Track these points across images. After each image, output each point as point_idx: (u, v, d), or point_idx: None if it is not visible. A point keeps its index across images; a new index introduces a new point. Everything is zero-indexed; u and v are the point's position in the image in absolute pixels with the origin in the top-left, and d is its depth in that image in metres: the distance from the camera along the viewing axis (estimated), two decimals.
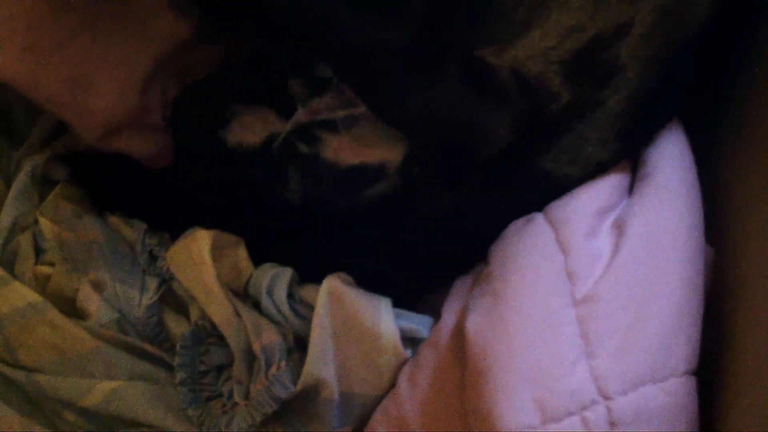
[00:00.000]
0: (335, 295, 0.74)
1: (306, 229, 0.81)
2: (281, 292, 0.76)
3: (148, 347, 0.78)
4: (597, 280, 0.65)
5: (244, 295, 0.79)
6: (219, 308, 0.76)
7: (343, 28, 0.65)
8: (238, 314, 0.75)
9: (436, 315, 0.76)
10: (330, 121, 0.78)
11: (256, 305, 0.78)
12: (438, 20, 0.65)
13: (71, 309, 0.80)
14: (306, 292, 0.77)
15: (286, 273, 0.77)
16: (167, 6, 0.73)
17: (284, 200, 0.80)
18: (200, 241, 0.77)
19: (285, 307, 0.76)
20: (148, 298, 0.80)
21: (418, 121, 0.71)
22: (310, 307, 0.75)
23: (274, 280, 0.77)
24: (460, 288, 0.75)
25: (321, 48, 0.69)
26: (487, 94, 0.68)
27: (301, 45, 0.72)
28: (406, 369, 0.74)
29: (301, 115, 0.78)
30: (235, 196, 0.83)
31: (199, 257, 0.76)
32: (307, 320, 0.75)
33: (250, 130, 0.80)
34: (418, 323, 0.76)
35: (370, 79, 0.69)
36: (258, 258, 0.80)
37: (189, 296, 0.80)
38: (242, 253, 0.79)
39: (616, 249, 0.66)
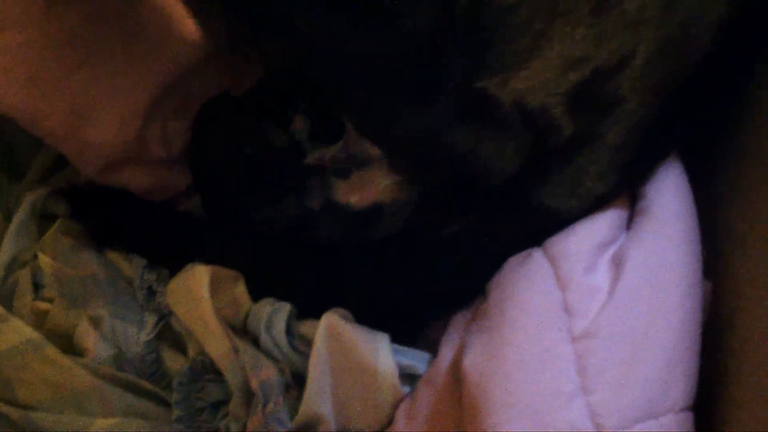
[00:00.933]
0: (334, 331, 0.74)
1: (305, 264, 0.81)
2: (280, 328, 0.76)
3: (145, 384, 0.78)
4: (595, 315, 0.65)
5: (242, 330, 0.79)
6: (217, 344, 0.76)
7: (340, 42, 0.65)
8: (236, 350, 0.75)
9: (434, 348, 0.76)
10: (340, 168, 0.78)
11: (255, 341, 0.77)
12: (439, 47, 0.65)
13: (69, 345, 0.80)
14: (305, 327, 0.77)
15: (285, 308, 0.77)
16: (176, 26, 0.73)
17: (302, 209, 0.80)
18: (199, 277, 0.77)
19: (283, 343, 0.76)
20: (146, 334, 0.79)
21: (407, 147, 0.71)
22: (309, 343, 0.75)
23: (273, 316, 0.76)
24: (458, 323, 0.75)
25: (317, 65, 0.69)
26: (488, 125, 0.67)
27: (295, 55, 0.71)
28: (404, 405, 0.74)
29: (309, 161, 0.78)
30: (240, 223, 0.82)
31: (197, 293, 0.76)
32: (305, 356, 0.75)
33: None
34: (415, 359, 0.76)
35: (362, 97, 0.69)
36: (257, 293, 0.79)
37: (187, 332, 0.79)
38: (241, 289, 0.79)
39: (614, 284, 0.66)
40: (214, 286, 0.77)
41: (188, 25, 0.73)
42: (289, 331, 0.77)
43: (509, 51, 0.64)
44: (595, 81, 0.65)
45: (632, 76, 0.64)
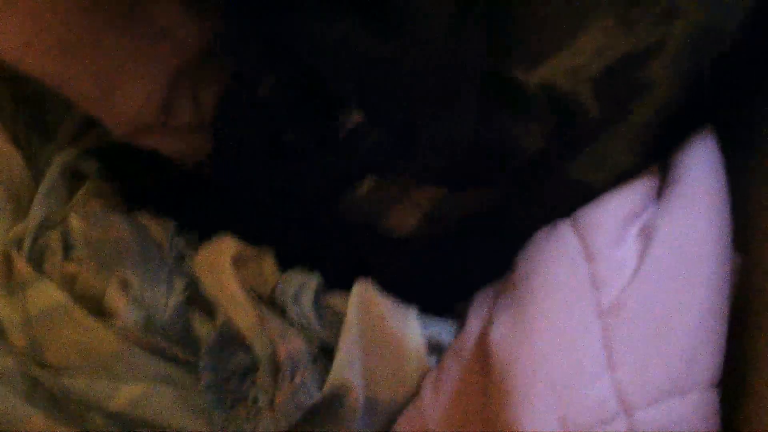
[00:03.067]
0: (365, 301, 0.74)
1: (334, 237, 0.81)
2: (308, 299, 0.76)
3: (173, 349, 0.79)
4: (622, 288, 0.65)
5: (270, 302, 0.79)
6: (243, 314, 0.76)
7: (356, 51, 0.64)
8: (262, 320, 0.76)
9: (460, 319, 0.76)
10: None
11: (282, 312, 0.78)
12: (462, 42, 0.64)
13: (98, 308, 0.80)
14: (332, 299, 0.77)
15: (313, 280, 0.77)
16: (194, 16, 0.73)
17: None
18: (225, 248, 0.77)
19: (311, 315, 0.76)
20: (175, 299, 0.80)
21: (435, 152, 0.70)
22: (336, 315, 0.76)
23: (301, 288, 0.77)
24: (485, 294, 0.75)
25: (333, 71, 0.68)
26: (516, 110, 0.67)
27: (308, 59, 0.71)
28: (430, 377, 0.74)
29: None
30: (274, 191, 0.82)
31: (223, 264, 0.77)
32: (332, 328, 0.75)
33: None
34: (441, 329, 0.76)
35: (382, 105, 0.69)
36: (285, 263, 0.80)
37: (215, 300, 0.80)
38: (269, 260, 0.79)
39: (642, 257, 0.65)
40: (242, 258, 0.77)
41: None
42: (316, 303, 0.77)
43: (538, 40, 0.63)
44: (625, 67, 0.64)
45: (662, 64, 0.63)
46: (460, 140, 0.67)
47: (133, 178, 0.88)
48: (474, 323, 0.73)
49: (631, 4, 0.61)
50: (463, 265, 0.78)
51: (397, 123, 0.70)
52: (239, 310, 0.76)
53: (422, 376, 0.75)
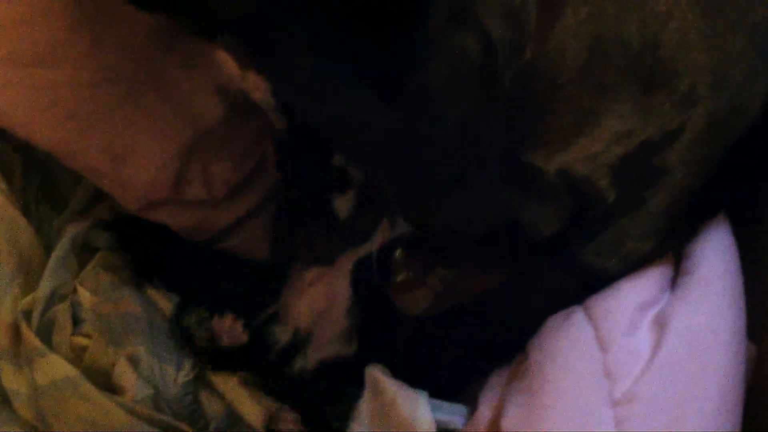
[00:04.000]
0: (374, 385, 0.74)
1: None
2: None
3: (182, 426, 0.78)
4: (636, 379, 0.64)
5: None
6: (249, 409, 0.77)
7: (377, 133, 0.64)
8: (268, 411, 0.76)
9: (472, 400, 0.76)
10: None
11: None
12: (478, 130, 0.64)
13: (107, 382, 0.80)
14: None
15: None
16: (211, 88, 0.73)
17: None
18: None
19: None
20: (184, 375, 0.80)
21: (451, 227, 0.70)
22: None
23: None
24: (497, 379, 0.75)
25: (354, 152, 0.69)
26: (532, 194, 0.67)
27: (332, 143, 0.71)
28: None
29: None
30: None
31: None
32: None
33: None
34: (453, 414, 0.75)
35: (403, 185, 0.69)
36: None
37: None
38: None
39: (656, 347, 0.65)
40: None
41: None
42: None
43: (557, 126, 0.64)
44: (643, 154, 0.64)
45: (680, 150, 0.64)
46: (477, 219, 0.67)
47: (144, 251, 0.87)
48: (486, 408, 0.73)
49: (649, 90, 0.62)
50: (473, 346, 0.77)
51: (410, 198, 0.70)
52: (243, 403, 0.77)
53: None
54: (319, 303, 0.80)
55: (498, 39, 0.60)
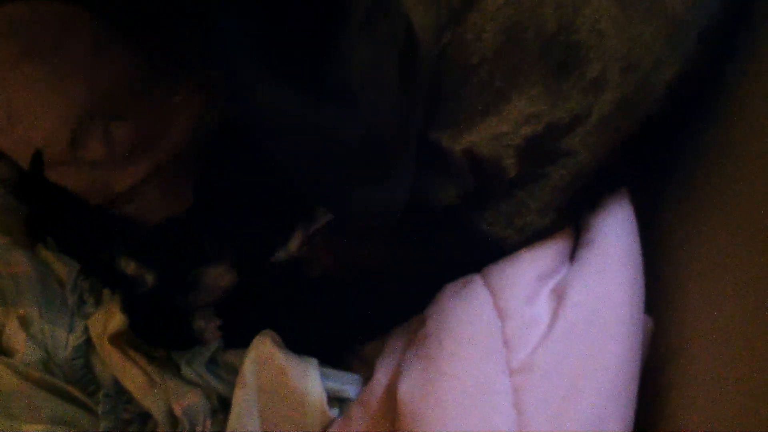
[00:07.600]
0: (263, 355, 0.74)
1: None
2: (200, 361, 0.77)
3: (72, 390, 0.76)
4: (534, 348, 0.64)
5: (167, 359, 0.78)
6: (133, 380, 0.76)
7: (287, 117, 0.63)
8: (153, 382, 0.75)
9: (368, 366, 0.76)
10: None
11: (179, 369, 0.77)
12: (404, 116, 0.64)
13: None
14: (228, 356, 0.78)
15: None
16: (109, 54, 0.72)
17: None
18: (116, 310, 0.77)
19: (204, 374, 0.76)
20: (76, 338, 0.78)
21: (371, 214, 0.70)
22: (234, 370, 0.75)
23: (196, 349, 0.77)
24: (394, 346, 0.75)
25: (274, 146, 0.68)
26: (438, 171, 0.67)
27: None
28: (335, 427, 0.73)
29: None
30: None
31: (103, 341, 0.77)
32: (231, 383, 0.75)
33: None
34: (345, 383, 0.76)
35: (313, 172, 0.68)
36: None
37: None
38: None
39: (554, 317, 0.66)
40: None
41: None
42: (213, 361, 0.78)
43: (467, 107, 0.64)
44: (549, 136, 0.65)
45: (585, 132, 0.65)
46: (396, 204, 0.66)
47: (40, 211, 0.85)
48: (382, 375, 0.72)
49: (560, 74, 0.62)
50: (368, 310, 0.77)
51: (329, 189, 0.69)
52: (128, 376, 0.76)
53: (324, 427, 0.73)
54: None
55: (420, 25, 0.60)
